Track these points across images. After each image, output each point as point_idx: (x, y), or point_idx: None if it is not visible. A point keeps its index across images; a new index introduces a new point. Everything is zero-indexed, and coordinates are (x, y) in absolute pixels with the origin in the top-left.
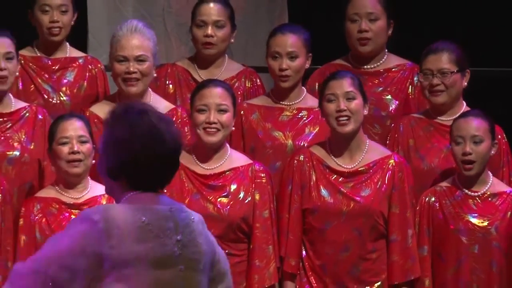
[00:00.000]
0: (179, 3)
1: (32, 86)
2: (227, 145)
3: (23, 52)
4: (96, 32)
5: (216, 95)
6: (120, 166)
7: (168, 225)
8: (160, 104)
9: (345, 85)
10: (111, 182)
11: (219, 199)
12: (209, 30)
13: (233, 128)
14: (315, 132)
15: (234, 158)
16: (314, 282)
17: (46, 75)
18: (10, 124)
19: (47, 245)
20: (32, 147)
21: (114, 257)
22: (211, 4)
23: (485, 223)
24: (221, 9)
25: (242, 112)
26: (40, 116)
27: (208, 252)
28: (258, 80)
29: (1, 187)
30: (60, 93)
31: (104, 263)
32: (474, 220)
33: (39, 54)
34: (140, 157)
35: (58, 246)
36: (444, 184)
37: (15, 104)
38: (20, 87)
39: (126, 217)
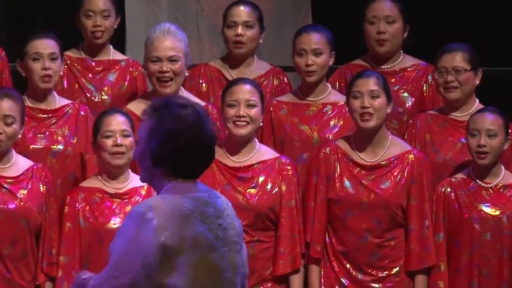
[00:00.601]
0: (211, 7)
1: (76, 85)
2: (256, 139)
3: (69, 53)
4: (133, 34)
5: (245, 91)
6: (166, 154)
7: (210, 210)
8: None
9: (371, 83)
10: (152, 169)
11: (248, 190)
12: (239, 30)
13: (262, 123)
14: (339, 125)
15: (263, 152)
16: (336, 267)
17: (90, 75)
18: (55, 120)
19: (114, 256)
20: (74, 141)
21: (171, 246)
22: (241, 6)
23: (497, 212)
24: (251, 11)
25: (271, 108)
26: (82, 113)
27: (240, 234)
28: (285, 78)
29: (46, 179)
30: (102, 92)
31: (166, 254)
32: (487, 210)
33: (84, 56)
34: (186, 146)
35: (125, 253)
36: (459, 175)
37: (59, 101)
38: (65, 85)
39: (174, 209)
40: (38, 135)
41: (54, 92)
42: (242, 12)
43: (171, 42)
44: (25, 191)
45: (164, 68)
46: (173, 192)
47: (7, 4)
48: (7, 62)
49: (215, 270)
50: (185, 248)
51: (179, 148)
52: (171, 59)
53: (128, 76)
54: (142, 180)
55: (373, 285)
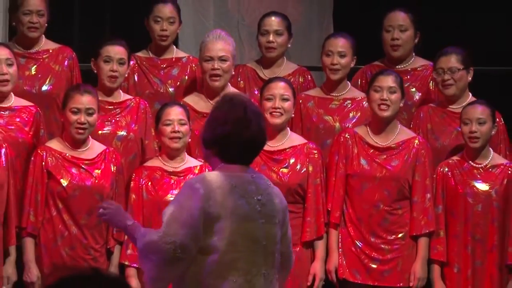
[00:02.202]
0: (250, 17)
1: (145, 79)
2: (288, 128)
3: (139, 54)
4: (185, 40)
5: (280, 87)
6: (213, 140)
7: (251, 188)
8: None
9: (389, 80)
10: (205, 150)
11: (280, 170)
12: (271, 37)
13: (293, 115)
14: (357, 116)
15: (293, 138)
16: (352, 231)
17: (156, 71)
18: (119, 111)
19: (171, 217)
20: (135, 128)
21: (213, 213)
22: (273, 17)
23: (487, 188)
24: (280, 20)
25: (300, 101)
26: (142, 106)
27: (280, 210)
28: (309, 77)
29: (116, 161)
30: (167, 84)
31: (208, 219)
32: (478, 185)
33: (151, 55)
34: (228, 136)
35: (181, 217)
36: (455, 157)
37: (123, 96)
38: (136, 80)
39: (220, 182)
40: (106, 123)
41: (120, 90)
42: (273, 22)
43: (221, 44)
44: (99, 171)
45: (215, 66)
46: (223, 171)
47: (80, 13)
48: (77, 62)
49: (251, 236)
50: (224, 216)
51: (222, 136)
52: (221, 59)
53: (188, 70)
54: (203, 158)
55: (383, 246)
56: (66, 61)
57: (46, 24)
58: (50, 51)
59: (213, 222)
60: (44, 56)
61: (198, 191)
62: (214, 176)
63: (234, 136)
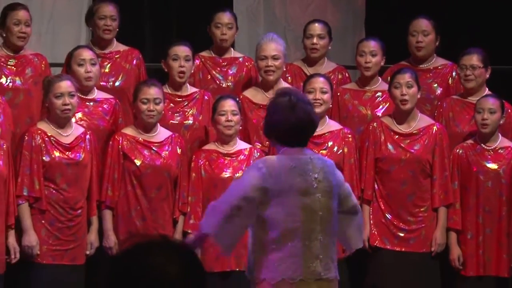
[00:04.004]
0: (295, 24)
1: (209, 75)
2: (327, 116)
3: (203, 53)
4: (240, 43)
5: (320, 82)
6: (269, 129)
7: (308, 167)
8: None
9: (406, 77)
10: (269, 139)
11: (320, 151)
12: (315, 40)
13: (331, 105)
14: (386, 106)
15: (331, 125)
16: (382, 206)
17: (218, 69)
18: (187, 103)
19: (231, 187)
20: (200, 118)
21: (274, 189)
22: (316, 24)
23: (496, 167)
24: (323, 26)
25: (338, 93)
26: (206, 97)
27: (336, 186)
28: (346, 74)
29: (181, 144)
30: (227, 80)
31: (268, 194)
32: (489, 165)
33: (213, 55)
34: (279, 123)
35: (239, 187)
36: (469, 141)
37: (190, 89)
38: (201, 76)
39: (280, 163)
40: (175, 114)
41: (187, 83)
42: (317, 27)
43: (274, 45)
44: (167, 152)
45: (269, 63)
46: (285, 154)
47: (150, 18)
48: (143, 61)
49: (308, 208)
50: (284, 192)
51: (274, 124)
52: (274, 57)
53: (244, 68)
54: (271, 145)
55: (408, 218)
56: (134, 61)
57: (117, 28)
58: (121, 51)
59: (272, 197)
60: (116, 56)
61: (261, 170)
62: (275, 158)
63: (283, 122)
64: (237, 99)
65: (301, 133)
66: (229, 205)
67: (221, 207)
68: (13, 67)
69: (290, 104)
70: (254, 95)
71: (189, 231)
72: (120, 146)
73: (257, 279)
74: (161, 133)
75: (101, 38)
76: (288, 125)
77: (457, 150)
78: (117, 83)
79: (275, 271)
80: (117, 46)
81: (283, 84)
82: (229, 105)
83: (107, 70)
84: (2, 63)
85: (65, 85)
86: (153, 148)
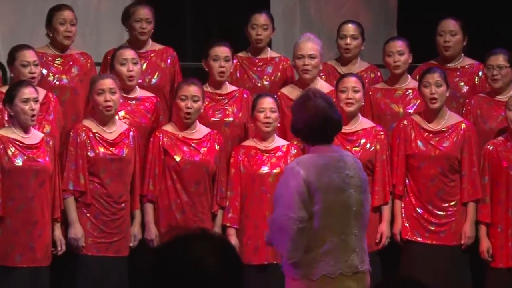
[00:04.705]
0: (329, 25)
1: (245, 75)
2: (359, 114)
3: (240, 54)
4: (276, 43)
5: (352, 81)
6: (296, 129)
7: (340, 164)
8: (324, 87)
9: (436, 76)
10: (297, 137)
11: (353, 148)
12: (348, 40)
13: (363, 103)
14: (417, 103)
15: (364, 122)
16: (413, 200)
17: (254, 68)
18: (227, 101)
19: (280, 198)
20: (240, 115)
21: (312, 188)
22: (350, 24)
23: None
24: (356, 27)
25: (370, 93)
26: (245, 95)
27: (364, 180)
28: (378, 73)
29: (219, 141)
30: (263, 79)
31: (309, 192)
32: None
33: (250, 55)
34: (304, 123)
35: (285, 195)
36: (500, 138)
37: (229, 88)
38: (238, 75)
39: (314, 163)
40: (216, 112)
41: (226, 82)
42: (350, 28)
43: (311, 44)
44: (206, 149)
45: (306, 62)
46: (314, 152)
47: (191, 18)
48: (178, 60)
49: (344, 204)
50: (321, 189)
51: (300, 125)
52: (311, 56)
53: (280, 68)
54: (302, 142)
55: (438, 212)
56: (169, 59)
57: (152, 30)
58: (156, 50)
59: (313, 195)
60: (151, 55)
61: (299, 172)
62: (308, 158)
63: (298, 121)
64: (276, 97)
65: (316, 130)
66: (290, 219)
67: (284, 224)
68: (59, 66)
69: (302, 103)
70: (291, 92)
71: (228, 224)
72: (160, 143)
73: (297, 275)
74: (200, 130)
75: (137, 39)
76: (302, 123)
77: (488, 146)
78: (153, 81)
79: (316, 267)
80: (153, 45)
81: (320, 82)
82: (268, 102)
83: (143, 68)
84: (49, 62)
85: (107, 82)
86: (192, 144)
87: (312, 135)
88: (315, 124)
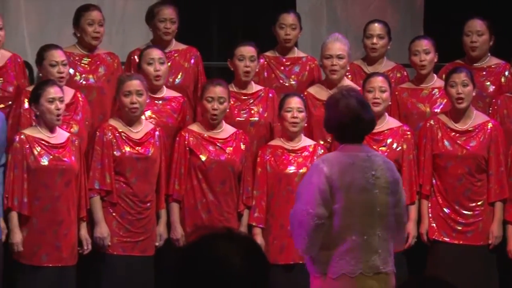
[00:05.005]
0: (355, 24)
1: (273, 74)
2: (386, 114)
3: (268, 53)
4: (302, 43)
5: (379, 81)
6: (329, 126)
7: (366, 164)
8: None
9: (462, 76)
10: (329, 134)
11: (380, 148)
12: (374, 40)
13: (390, 103)
14: (443, 102)
15: (390, 122)
16: (440, 200)
17: (282, 68)
18: (252, 100)
19: (302, 193)
20: (265, 115)
21: (335, 185)
22: (376, 24)
23: None
24: (382, 27)
25: (396, 92)
26: (270, 95)
27: (393, 182)
28: (404, 72)
29: (245, 140)
30: (290, 79)
31: (332, 191)
32: None
33: (277, 55)
34: (338, 121)
35: (307, 191)
36: None
37: (255, 87)
38: (265, 75)
39: (339, 161)
40: (241, 111)
41: (252, 82)
42: (376, 27)
43: (339, 45)
44: (231, 148)
45: (334, 62)
46: (343, 151)
47: (217, 18)
48: (201, 60)
49: (366, 204)
50: (343, 188)
51: (333, 122)
52: (339, 56)
53: (307, 68)
54: (335, 139)
55: (465, 212)
56: (192, 59)
57: (176, 30)
58: (180, 50)
59: (334, 193)
60: (175, 55)
61: (323, 170)
62: (334, 155)
63: (329, 119)
64: (303, 96)
65: (347, 129)
66: (309, 215)
67: (303, 219)
68: (86, 66)
69: (335, 101)
70: (318, 91)
71: (254, 224)
72: (186, 142)
73: (317, 273)
74: (226, 130)
75: (161, 39)
76: (333, 121)
77: None
78: (176, 81)
79: (336, 266)
80: (176, 45)
81: (347, 82)
82: (295, 102)
83: None
84: (76, 62)
85: (134, 83)
86: (218, 144)
87: (342, 134)
88: (346, 122)
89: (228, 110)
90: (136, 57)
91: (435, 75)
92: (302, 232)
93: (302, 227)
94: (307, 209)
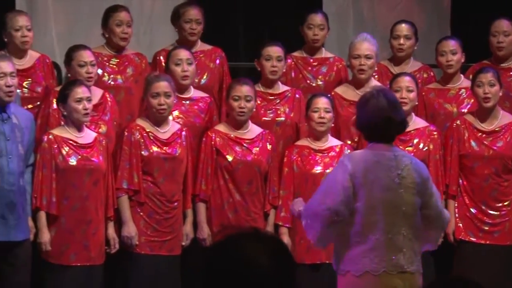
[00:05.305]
0: (382, 24)
1: (300, 75)
2: (413, 113)
3: (295, 54)
4: (328, 43)
5: (406, 81)
6: (359, 124)
7: (392, 163)
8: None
9: (489, 76)
10: (360, 133)
11: (406, 148)
12: (401, 41)
13: (417, 103)
14: (470, 103)
15: (417, 122)
16: (467, 200)
17: (309, 68)
18: (279, 100)
19: (324, 187)
20: (292, 115)
21: (359, 183)
22: (403, 24)
23: None
24: (409, 27)
25: (423, 93)
26: (297, 96)
27: (420, 182)
28: (431, 73)
29: (271, 141)
30: (317, 79)
31: (355, 188)
32: None
33: (305, 55)
34: (368, 119)
35: (330, 186)
36: None
37: (282, 87)
38: (293, 75)
39: (365, 159)
40: (268, 111)
41: (279, 82)
42: (403, 28)
43: (367, 45)
44: (258, 148)
45: (362, 62)
46: (370, 149)
47: (244, 19)
48: (226, 60)
49: (390, 202)
50: (366, 186)
51: (364, 121)
52: (367, 57)
53: (335, 68)
54: (365, 139)
55: (491, 212)
56: (217, 60)
57: (202, 31)
58: (205, 51)
59: (357, 190)
60: (200, 56)
61: (347, 167)
62: (360, 153)
63: (360, 118)
64: (331, 97)
65: (376, 129)
66: (328, 210)
67: (321, 213)
68: (115, 66)
69: (365, 100)
70: (345, 91)
71: (280, 223)
72: (213, 142)
73: (342, 270)
74: (252, 130)
75: (186, 39)
76: (364, 120)
77: None
78: (202, 81)
79: (359, 263)
80: (201, 46)
81: (374, 82)
82: (322, 102)
83: None
84: (104, 62)
85: (162, 85)
86: (244, 144)
87: (371, 133)
88: (375, 122)
89: (254, 110)
90: (162, 57)
91: (462, 75)
92: (316, 225)
93: (317, 220)
94: (328, 204)
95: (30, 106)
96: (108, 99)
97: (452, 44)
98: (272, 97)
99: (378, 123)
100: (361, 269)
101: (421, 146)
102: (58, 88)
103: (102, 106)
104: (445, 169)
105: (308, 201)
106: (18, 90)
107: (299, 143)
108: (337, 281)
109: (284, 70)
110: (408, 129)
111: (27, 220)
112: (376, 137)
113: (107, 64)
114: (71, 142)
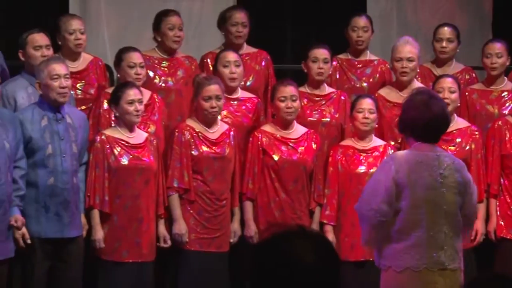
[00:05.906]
0: (425, 27)
1: (345, 76)
2: (455, 114)
3: (340, 56)
4: (372, 46)
5: (448, 82)
6: (403, 124)
7: (434, 163)
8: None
9: None
10: (403, 135)
11: (449, 148)
12: (444, 44)
13: (459, 104)
14: None
15: (459, 122)
16: (508, 199)
17: (353, 70)
18: (324, 101)
19: (369, 189)
20: (337, 116)
21: (402, 183)
22: (446, 27)
23: None
24: (452, 30)
25: (466, 93)
26: (342, 98)
27: (461, 183)
28: (474, 74)
29: (316, 140)
30: (361, 81)
31: (398, 188)
32: None
33: (349, 57)
34: (413, 120)
35: (374, 187)
36: None
37: (327, 89)
38: (337, 77)
39: (408, 158)
40: (313, 112)
41: (325, 83)
42: (446, 31)
43: (409, 47)
44: (303, 148)
45: (404, 65)
46: (414, 149)
47: (291, 22)
48: (271, 63)
49: (433, 201)
50: (409, 185)
51: (408, 121)
52: (409, 59)
53: (379, 70)
54: (406, 141)
55: None
56: (263, 62)
57: (248, 34)
58: (251, 53)
59: (401, 190)
60: (246, 58)
61: (390, 167)
62: (403, 154)
63: (419, 118)
64: (375, 98)
65: (435, 129)
66: (372, 210)
67: (366, 214)
68: (165, 69)
69: (425, 101)
70: (388, 93)
71: (325, 221)
72: (259, 142)
73: (383, 266)
74: (298, 130)
75: (232, 42)
76: (424, 121)
77: None
78: (248, 83)
79: (400, 259)
80: (247, 49)
81: (417, 84)
82: (367, 103)
83: None
84: (156, 65)
85: (214, 88)
86: (290, 144)
87: (416, 133)
88: (437, 123)
89: (300, 110)
90: (209, 60)
91: (505, 78)
92: (363, 225)
93: (364, 221)
94: (371, 205)
95: (83, 107)
96: (156, 100)
97: (498, 47)
98: (318, 98)
99: (424, 123)
100: (402, 265)
101: (463, 145)
102: (108, 90)
103: (150, 107)
104: (486, 168)
105: (358, 205)
106: (72, 92)
107: (343, 143)
108: (380, 277)
109: (330, 72)
110: (450, 129)
111: (80, 217)
112: (420, 137)
113: (158, 67)
114: (122, 142)
